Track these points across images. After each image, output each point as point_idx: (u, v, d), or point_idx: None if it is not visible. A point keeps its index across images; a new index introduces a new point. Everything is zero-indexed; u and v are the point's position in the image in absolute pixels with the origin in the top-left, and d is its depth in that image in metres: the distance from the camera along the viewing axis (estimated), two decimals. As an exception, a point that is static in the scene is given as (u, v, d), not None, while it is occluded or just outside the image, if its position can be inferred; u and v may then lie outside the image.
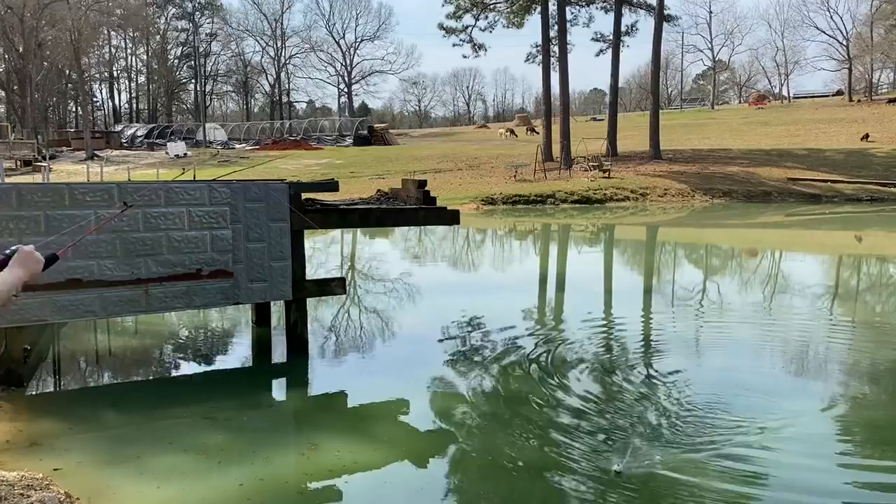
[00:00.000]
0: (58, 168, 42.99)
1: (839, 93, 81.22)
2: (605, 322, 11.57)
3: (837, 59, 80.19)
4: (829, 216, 29.82)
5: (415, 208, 9.45)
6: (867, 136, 47.10)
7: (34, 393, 7.70)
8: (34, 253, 2.52)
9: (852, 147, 44.82)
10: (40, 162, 42.05)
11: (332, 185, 9.18)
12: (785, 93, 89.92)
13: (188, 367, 8.96)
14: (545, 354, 9.62)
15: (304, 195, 8.86)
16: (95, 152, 52.16)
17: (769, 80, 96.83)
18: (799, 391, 7.95)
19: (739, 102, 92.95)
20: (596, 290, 14.61)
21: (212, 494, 5.30)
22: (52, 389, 8.17)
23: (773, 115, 64.40)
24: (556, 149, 41.62)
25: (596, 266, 18.40)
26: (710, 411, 7.02)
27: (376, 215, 9.36)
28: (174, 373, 8.83)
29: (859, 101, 69.76)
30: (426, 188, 9.60)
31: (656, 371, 8.67)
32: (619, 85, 47.96)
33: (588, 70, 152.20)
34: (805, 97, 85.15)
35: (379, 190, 10.91)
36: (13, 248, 2.57)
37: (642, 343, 10.12)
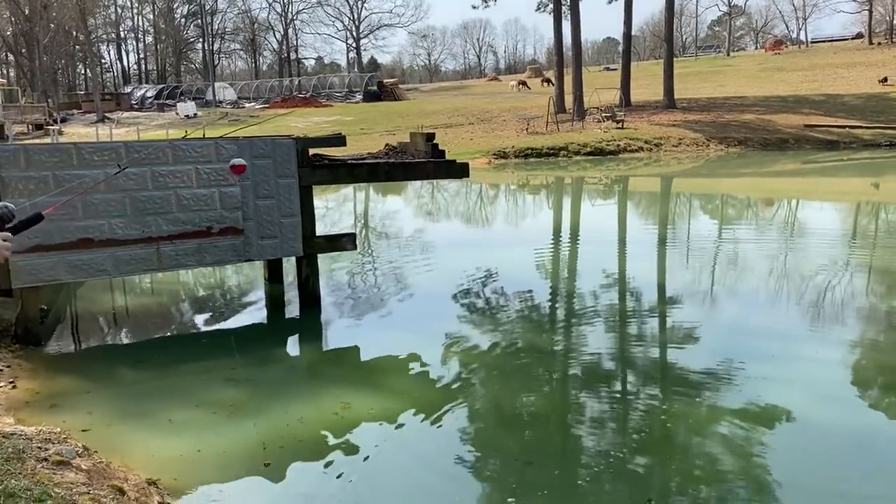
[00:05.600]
0: (69, 131, 43.04)
1: (859, 36, 79.13)
2: (618, 273, 11.54)
3: (857, 1, 78.05)
4: (847, 163, 29.37)
5: (424, 162, 9.37)
6: (886, 79, 46.07)
7: (52, 352, 7.80)
8: None
9: (871, 91, 43.92)
10: (52, 125, 42.10)
11: (339, 140, 9.09)
12: (803, 37, 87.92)
13: (204, 325, 9.03)
14: (559, 307, 9.64)
15: (312, 151, 8.80)
16: (106, 114, 52.08)
17: (786, 25, 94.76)
18: (815, 337, 7.91)
19: (756, 48, 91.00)
20: (609, 241, 14.54)
21: (249, 454, 5.24)
22: (70, 348, 8.27)
23: (791, 60, 63.03)
24: (569, 100, 41.07)
25: (609, 218, 18.28)
26: (725, 358, 7.02)
27: (384, 169, 9.30)
28: (191, 330, 8.91)
29: (879, 43, 67.95)
30: (435, 141, 9.51)
31: (671, 321, 8.66)
32: (633, 33, 46.99)
33: (601, 18, 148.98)
34: (823, 41, 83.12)
35: (387, 144, 10.82)
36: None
37: (657, 293, 10.09)
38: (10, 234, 2.42)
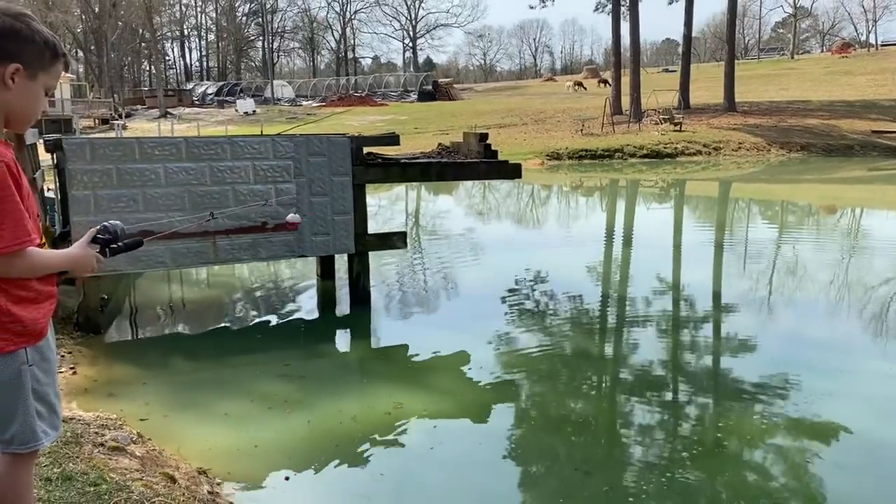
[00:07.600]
0: (133, 126, 44.37)
1: (932, 39, 76.16)
2: (672, 279, 11.32)
3: (932, 3, 75.06)
4: (916, 171, 28.26)
5: (476, 162, 9.35)
6: (961, 85, 44.19)
7: (111, 340, 8.04)
8: (91, 259, 2.44)
9: (945, 97, 42.18)
10: (117, 120, 43.49)
11: (392, 140, 9.15)
12: (872, 40, 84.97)
13: (257, 318, 9.17)
14: (610, 311, 9.51)
15: (366, 149, 8.87)
16: (168, 110, 53.51)
17: (855, 27, 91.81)
18: (876, 350, 7.63)
19: (822, 51, 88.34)
20: (664, 247, 14.28)
21: (303, 451, 5.25)
22: (128, 337, 8.52)
23: (858, 64, 60.97)
24: (626, 101, 40.51)
25: (664, 223, 17.96)
26: (781, 370, 6.81)
27: (437, 169, 9.31)
28: (244, 323, 9.06)
29: (955, 47, 65.32)
30: (487, 142, 9.49)
31: (726, 330, 8.47)
32: (693, 34, 46.12)
33: (660, 19, 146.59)
34: (894, 44, 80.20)
35: (440, 144, 10.84)
36: (114, 227, 2.51)
37: (711, 301, 9.88)
38: (101, 256, 2.49)
